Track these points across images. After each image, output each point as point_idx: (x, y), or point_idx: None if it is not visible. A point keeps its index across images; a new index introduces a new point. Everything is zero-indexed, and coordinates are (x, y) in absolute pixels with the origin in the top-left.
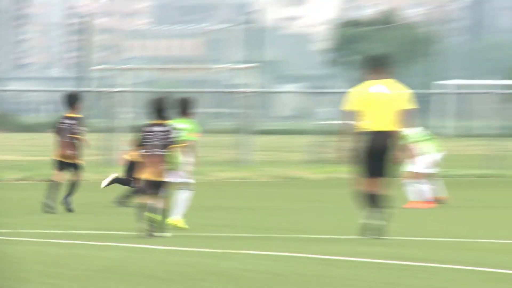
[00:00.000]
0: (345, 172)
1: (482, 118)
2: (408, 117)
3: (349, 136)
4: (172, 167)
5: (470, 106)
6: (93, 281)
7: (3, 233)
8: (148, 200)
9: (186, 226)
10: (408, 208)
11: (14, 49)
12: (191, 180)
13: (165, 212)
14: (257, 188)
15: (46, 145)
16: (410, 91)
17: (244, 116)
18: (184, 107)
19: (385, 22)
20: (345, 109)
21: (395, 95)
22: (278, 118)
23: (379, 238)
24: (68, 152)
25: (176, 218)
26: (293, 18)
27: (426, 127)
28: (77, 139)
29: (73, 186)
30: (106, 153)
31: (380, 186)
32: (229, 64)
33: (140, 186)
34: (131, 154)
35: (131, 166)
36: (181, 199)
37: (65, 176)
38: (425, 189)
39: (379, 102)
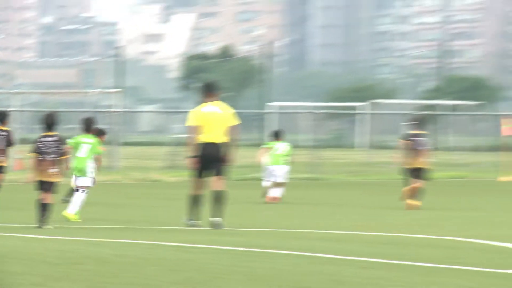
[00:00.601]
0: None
1: (304, 133)
2: (234, 131)
3: (191, 146)
4: (79, 173)
5: (295, 123)
6: None
7: None
8: (40, 197)
9: (79, 220)
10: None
11: None
12: (90, 184)
13: (51, 207)
14: (124, 189)
15: None
16: (245, 110)
17: (112, 131)
18: (88, 125)
19: (225, 55)
20: (188, 125)
21: (224, 114)
22: (140, 133)
23: (222, 229)
24: None
25: (71, 213)
26: (151, 52)
27: (261, 140)
28: None
29: None
30: None
31: (208, 186)
32: (100, 89)
33: (35, 185)
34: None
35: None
36: (79, 199)
37: None
38: (273, 189)
39: (212, 120)
